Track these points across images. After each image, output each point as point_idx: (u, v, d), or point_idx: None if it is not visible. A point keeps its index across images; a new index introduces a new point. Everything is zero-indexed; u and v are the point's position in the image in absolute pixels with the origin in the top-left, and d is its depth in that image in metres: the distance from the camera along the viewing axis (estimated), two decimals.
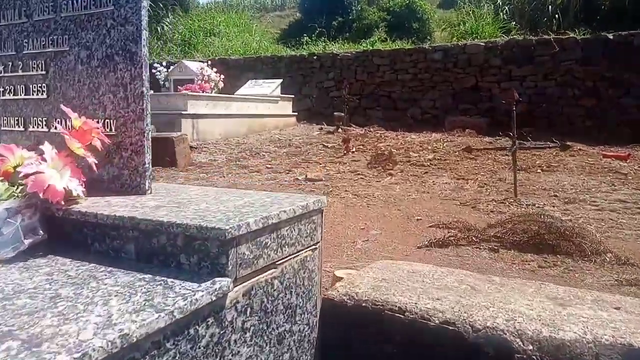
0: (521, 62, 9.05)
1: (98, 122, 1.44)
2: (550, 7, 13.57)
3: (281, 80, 9.49)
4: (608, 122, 8.35)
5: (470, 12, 10.83)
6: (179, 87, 8.01)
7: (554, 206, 3.96)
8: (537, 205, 3.90)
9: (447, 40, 14.90)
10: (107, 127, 1.47)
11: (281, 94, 9.27)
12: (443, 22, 19.37)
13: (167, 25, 15.37)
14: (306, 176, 5.02)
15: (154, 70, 9.52)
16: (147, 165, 1.43)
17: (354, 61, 10.76)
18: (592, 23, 13.15)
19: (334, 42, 13.21)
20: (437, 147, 6.57)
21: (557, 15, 13.27)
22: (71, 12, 1.50)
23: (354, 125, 9.11)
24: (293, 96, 9.51)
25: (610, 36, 8.34)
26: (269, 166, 5.81)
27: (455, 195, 4.39)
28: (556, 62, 8.75)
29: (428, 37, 19.12)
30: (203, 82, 8.64)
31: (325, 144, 7.11)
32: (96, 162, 1.37)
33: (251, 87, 9.13)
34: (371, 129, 8.49)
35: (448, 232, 3.13)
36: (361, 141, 7.48)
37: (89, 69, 1.49)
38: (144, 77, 1.39)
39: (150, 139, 1.44)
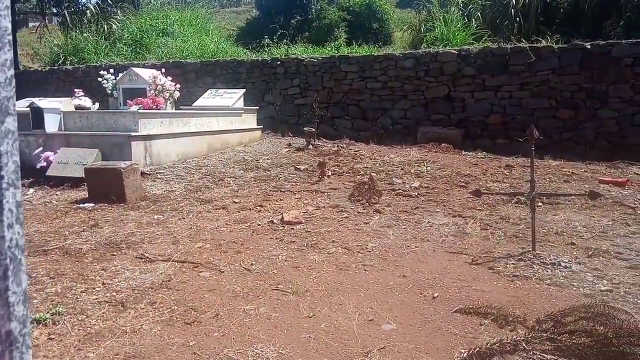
0: (496, 71, 8.49)
1: None
2: (512, 10, 13.20)
3: (244, 90, 8.54)
4: (586, 134, 7.93)
5: (440, 17, 10.20)
6: (128, 100, 6.93)
7: (578, 261, 3.30)
8: (562, 263, 3.23)
9: (408, 42, 14.34)
10: None
11: (244, 105, 8.32)
12: (402, 23, 18.84)
13: (115, 24, 13.99)
14: (282, 218, 4.16)
15: (100, 79, 8.36)
16: None
17: (320, 67, 9.92)
18: (552, 26, 12.90)
19: (296, 45, 12.30)
20: (420, 171, 5.86)
21: (518, 19, 12.91)
22: None
23: (323, 140, 8.30)
24: (257, 108, 8.59)
25: (588, 46, 7.89)
26: (237, 200, 4.91)
27: (461, 245, 3.66)
28: (532, 72, 8.24)
29: (389, 39, 18.59)
30: (156, 92, 7.59)
31: (297, 166, 6.26)
32: None
33: (211, 98, 8.14)
34: (343, 144, 7.70)
35: (481, 324, 2.38)
36: (335, 160, 6.68)
37: None
38: None
39: None
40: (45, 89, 12.18)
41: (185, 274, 3.03)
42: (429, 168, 5.96)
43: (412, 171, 5.91)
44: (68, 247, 3.47)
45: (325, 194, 5.18)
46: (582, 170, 5.92)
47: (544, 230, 3.96)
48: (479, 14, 10.65)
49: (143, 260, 3.23)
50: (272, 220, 4.17)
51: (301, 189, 5.40)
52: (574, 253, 3.49)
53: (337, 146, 7.46)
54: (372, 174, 5.79)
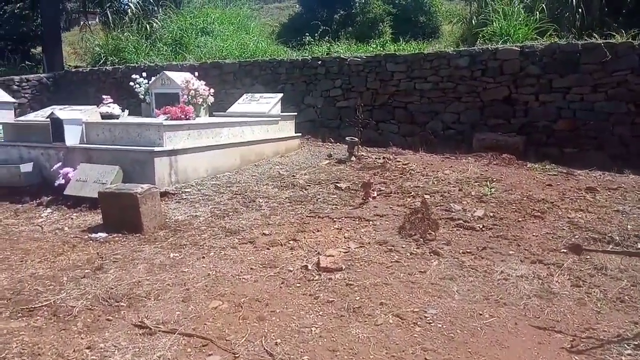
0: (564, 70, 7.32)
1: None
2: (573, 0, 11.80)
3: (281, 94, 7.75)
4: None
5: (499, 10, 9.04)
6: (156, 109, 6.29)
7: None
8: None
9: (459, 36, 13.12)
10: None
11: (281, 110, 7.56)
12: (451, 15, 17.56)
13: (156, 23, 13.54)
14: (318, 262, 3.36)
15: (132, 83, 7.81)
16: None
17: (364, 67, 9.01)
18: (618, 17, 11.41)
19: (339, 43, 11.39)
20: (483, 194, 4.90)
21: (580, 9, 11.50)
22: None
23: (366, 148, 7.43)
24: (295, 114, 7.79)
25: None
26: (267, 230, 4.14)
27: (551, 314, 2.75)
28: (607, 72, 7.03)
29: (436, 32, 17.40)
30: (189, 97, 6.93)
31: (338, 184, 5.44)
32: None
33: (247, 104, 7.41)
34: (390, 155, 6.80)
35: None
36: (381, 176, 5.81)
37: None
38: None
39: None
40: (86, 90, 11.89)
41: (190, 358, 2.28)
42: (493, 190, 4.99)
43: (473, 193, 4.96)
44: (59, 305, 2.81)
45: (371, 222, 4.33)
46: None
47: None
48: (543, 5, 9.39)
49: (142, 330, 2.51)
50: (306, 265, 3.37)
51: (342, 214, 4.58)
52: None
53: (383, 157, 6.56)
54: (425, 196, 4.90)
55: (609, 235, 3.83)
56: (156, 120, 5.32)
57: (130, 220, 4.00)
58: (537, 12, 9.06)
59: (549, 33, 8.53)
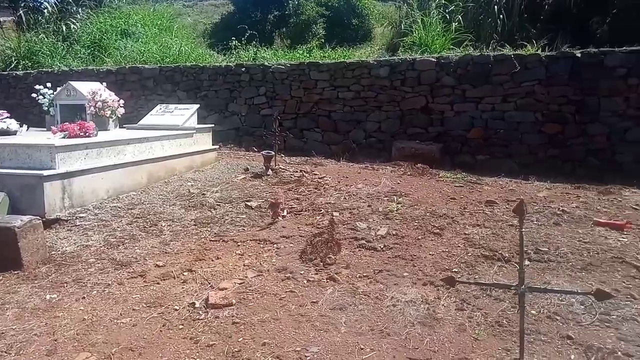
0: (477, 81, 7.59)
1: None
2: (495, 6, 12.28)
3: (197, 106, 7.50)
4: (574, 151, 7.09)
5: (419, 20, 9.22)
6: (52, 127, 5.88)
7: None
8: None
9: (389, 39, 13.34)
10: None
11: (205, 117, 7.31)
12: (383, 18, 17.83)
13: (75, 24, 12.79)
14: (207, 299, 3.23)
15: (34, 94, 7.30)
16: None
17: (288, 75, 8.94)
18: (537, 23, 12.01)
19: (267, 47, 11.21)
20: (390, 210, 4.95)
21: (501, 16, 12.00)
22: None
23: (289, 158, 7.36)
24: (212, 125, 7.57)
25: (578, 54, 7.01)
26: (163, 259, 3.96)
27: (430, 343, 2.77)
28: (516, 83, 7.36)
29: (369, 35, 17.61)
30: (96, 109, 6.56)
31: (249, 202, 5.31)
32: None
33: (160, 115, 7.11)
34: (307, 168, 6.75)
35: None
36: (295, 191, 5.75)
37: None
38: None
39: None
40: None
41: None
42: (399, 205, 5.05)
43: (381, 209, 4.99)
44: None
45: (275, 246, 4.25)
46: (574, 205, 5.05)
47: (534, 312, 3.09)
48: (459, 16, 9.68)
49: None
50: (194, 303, 3.23)
51: (248, 236, 4.47)
52: (572, 357, 2.63)
53: (301, 170, 6.50)
54: (334, 214, 4.90)
55: (500, 252, 3.95)
56: (48, 140, 4.95)
57: (7, 257, 3.69)
58: (454, 23, 9.31)
59: (464, 44, 8.81)
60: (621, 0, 11.03)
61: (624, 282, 3.48)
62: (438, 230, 4.44)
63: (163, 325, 2.97)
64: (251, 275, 3.68)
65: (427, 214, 4.81)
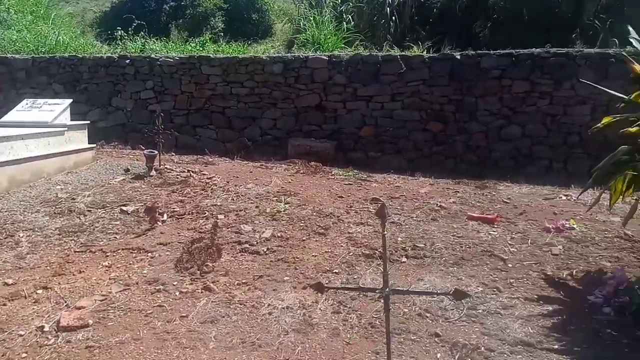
0: (367, 80, 7.75)
1: None
2: (387, 8, 12.72)
3: (71, 100, 6.81)
4: (456, 148, 7.51)
5: (311, 18, 9.21)
6: None
7: None
8: None
9: (289, 35, 13.27)
10: None
11: (71, 118, 6.65)
12: (284, 14, 17.74)
13: None
14: (58, 322, 2.87)
15: None
16: None
17: (177, 68, 8.49)
18: (426, 25, 12.64)
19: (157, 41, 10.54)
20: (277, 210, 4.83)
21: (394, 17, 12.46)
22: None
23: (179, 157, 6.97)
24: (88, 122, 6.92)
25: (458, 56, 7.42)
26: (12, 278, 3.48)
27: (302, 352, 2.69)
28: (403, 82, 7.62)
29: (269, 30, 17.44)
30: None
31: (126, 206, 4.91)
32: None
33: (26, 111, 6.35)
34: (197, 168, 6.42)
35: None
36: (180, 193, 5.42)
37: None
38: None
39: None
40: None
41: None
42: (287, 206, 4.96)
43: (268, 210, 4.86)
44: None
45: (149, 254, 3.94)
46: (451, 200, 5.31)
47: (405, 310, 3.14)
48: (350, 17, 9.83)
49: None
50: (43, 326, 2.86)
51: (120, 245, 4.10)
52: (438, 356, 2.69)
53: (188, 171, 6.17)
54: (220, 217, 4.68)
55: (379, 250, 4.00)
56: None
57: None
58: (345, 23, 9.43)
59: (356, 43, 8.96)
60: (499, 7, 11.93)
61: (491, 275, 3.67)
62: (323, 230, 4.40)
63: (2, 355, 2.58)
64: (116, 289, 3.36)
65: (314, 214, 4.77)
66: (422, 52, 7.95)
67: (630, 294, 3.11)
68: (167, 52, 9.72)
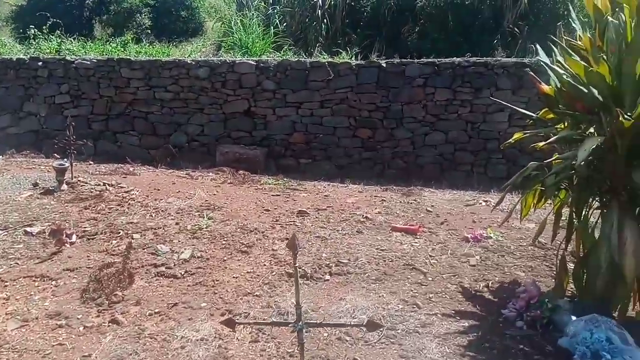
0: (296, 86, 7.65)
1: None
2: (319, 11, 12.71)
3: None
4: (384, 154, 7.60)
5: (239, 22, 8.96)
6: None
7: None
8: None
9: (220, 35, 12.91)
10: None
11: None
12: (216, 12, 17.29)
13: None
14: None
15: None
16: None
17: (95, 71, 7.96)
18: (357, 29, 12.75)
19: (75, 40, 9.83)
20: (199, 227, 4.62)
21: (325, 20, 12.47)
22: None
23: (89, 171, 6.52)
24: None
25: (384, 64, 7.49)
26: None
27: None
28: (332, 89, 7.60)
29: (200, 28, 16.96)
30: None
31: (31, 226, 4.49)
32: None
33: None
34: (115, 180, 6.03)
35: None
36: (94, 209, 5.05)
37: None
38: None
39: None
40: None
41: None
42: (210, 221, 4.75)
43: (189, 227, 4.63)
44: None
45: (54, 283, 3.61)
46: (377, 211, 5.32)
47: (325, 335, 3.07)
48: (278, 20, 9.69)
49: None
50: None
51: (21, 272, 3.73)
52: None
53: (104, 183, 5.77)
54: (135, 236, 4.40)
55: (303, 267, 3.92)
56: None
57: None
58: (273, 27, 9.28)
59: (285, 48, 8.83)
60: (425, 12, 12.24)
61: (411, 291, 3.67)
62: (246, 248, 4.25)
63: None
64: (13, 327, 3.03)
65: (238, 230, 4.59)
66: (350, 59, 7.97)
67: (542, 307, 3.22)
68: (85, 52, 9.12)
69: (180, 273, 3.81)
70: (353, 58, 8.23)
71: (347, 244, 4.41)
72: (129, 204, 5.20)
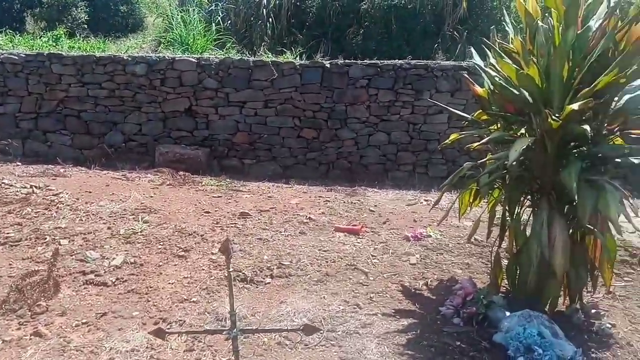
0: (239, 85, 7.47)
1: None
2: (264, 10, 12.55)
3: None
4: (329, 155, 7.58)
5: (179, 17, 8.66)
6: None
7: None
8: None
9: (162, 30, 12.45)
10: None
11: None
12: (157, 8, 16.68)
13: None
14: None
15: None
16: None
17: (23, 67, 7.40)
18: (303, 29, 12.70)
19: (2, 34, 9.13)
20: (133, 231, 4.38)
21: (270, 19, 12.33)
22: None
23: (15, 173, 6.06)
24: None
25: (327, 64, 7.46)
26: None
27: None
28: (276, 89, 7.47)
29: (141, 24, 16.31)
30: None
31: None
32: None
33: None
34: (43, 182, 5.62)
35: None
36: (18, 214, 4.67)
37: None
38: None
39: None
40: None
41: None
42: (146, 225, 4.52)
43: (122, 231, 4.38)
44: None
45: None
46: (320, 212, 5.28)
47: (266, 340, 2.97)
48: (220, 18, 9.47)
49: None
50: None
51: None
52: None
53: (31, 186, 5.37)
54: (62, 243, 4.10)
55: (243, 271, 3.80)
56: None
57: None
58: (215, 24, 9.05)
59: (228, 45, 8.63)
60: (369, 15, 12.37)
61: (353, 291, 3.65)
62: (184, 253, 4.07)
63: None
64: None
65: (175, 233, 4.40)
66: (295, 59, 7.88)
67: (477, 303, 3.28)
68: (14, 46, 8.50)
69: (111, 280, 3.58)
70: (298, 58, 8.15)
71: (290, 246, 4.33)
72: (58, 207, 4.86)
